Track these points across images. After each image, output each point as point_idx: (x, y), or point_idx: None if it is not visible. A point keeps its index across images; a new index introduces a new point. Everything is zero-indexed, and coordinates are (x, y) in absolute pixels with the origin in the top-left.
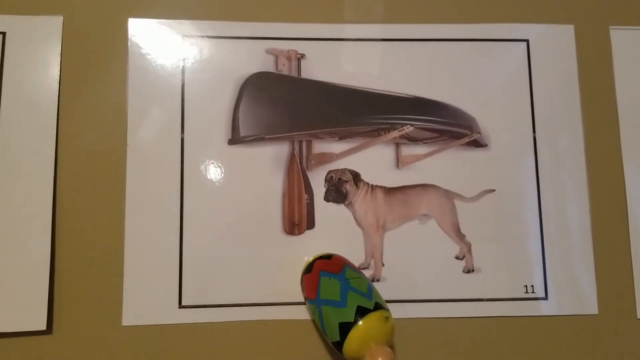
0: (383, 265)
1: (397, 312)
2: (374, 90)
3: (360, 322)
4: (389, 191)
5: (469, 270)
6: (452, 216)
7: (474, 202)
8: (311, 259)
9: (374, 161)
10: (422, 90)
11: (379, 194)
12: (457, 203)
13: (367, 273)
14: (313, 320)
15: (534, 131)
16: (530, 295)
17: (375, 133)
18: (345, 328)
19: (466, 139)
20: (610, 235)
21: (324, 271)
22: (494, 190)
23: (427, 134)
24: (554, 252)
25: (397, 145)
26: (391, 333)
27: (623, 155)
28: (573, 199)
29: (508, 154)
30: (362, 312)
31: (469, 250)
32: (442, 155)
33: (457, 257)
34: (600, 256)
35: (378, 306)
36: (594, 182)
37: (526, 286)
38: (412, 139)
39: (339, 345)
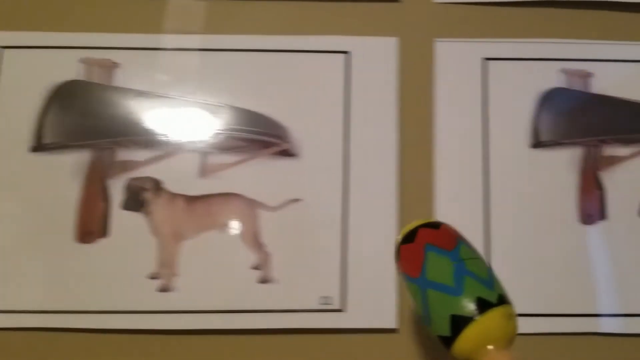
0: (177, 275)
1: (189, 323)
2: (188, 99)
3: (479, 318)
4: (191, 200)
5: (265, 281)
6: (252, 225)
7: (277, 211)
8: (412, 225)
9: (178, 169)
10: (236, 100)
11: (180, 203)
12: (261, 212)
13: (159, 283)
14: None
15: (346, 143)
16: (326, 306)
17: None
18: (459, 322)
19: (276, 148)
20: None
21: (432, 244)
22: (299, 200)
23: (236, 143)
24: (355, 263)
25: (204, 153)
26: (514, 334)
27: (436, 171)
28: (381, 213)
29: (318, 164)
30: (482, 305)
31: (267, 259)
32: (250, 165)
33: (254, 267)
34: None
35: (502, 300)
36: (405, 198)
37: (323, 297)
38: (219, 147)
39: (447, 340)
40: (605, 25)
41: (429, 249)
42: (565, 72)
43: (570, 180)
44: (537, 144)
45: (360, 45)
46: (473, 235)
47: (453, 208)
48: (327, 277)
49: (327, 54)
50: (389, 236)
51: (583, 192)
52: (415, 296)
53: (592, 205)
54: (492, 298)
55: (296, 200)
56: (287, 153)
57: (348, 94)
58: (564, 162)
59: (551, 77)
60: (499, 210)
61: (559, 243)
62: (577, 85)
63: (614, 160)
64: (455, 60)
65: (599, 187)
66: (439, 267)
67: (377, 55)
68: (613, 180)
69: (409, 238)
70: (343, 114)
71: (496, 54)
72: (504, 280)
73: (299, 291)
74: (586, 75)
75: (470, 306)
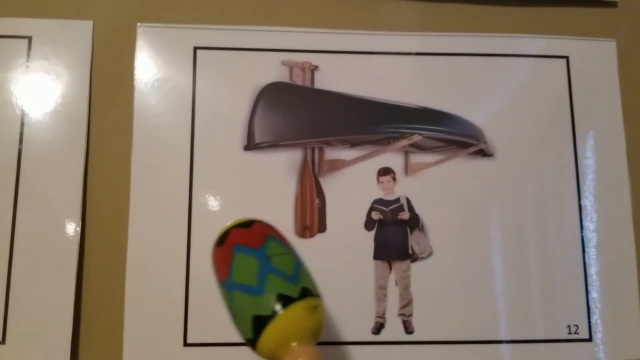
0: None
1: None
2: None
3: (279, 315)
4: None
5: None
6: None
7: None
8: (226, 227)
9: None
10: None
11: None
12: None
13: None
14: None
15: (20, 143)
16: None
17: None
18: (261, 322)
19: None
20: None
21: (240, 245)
22: None
23: None
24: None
25: None
26: (319, 327)
27: (132, 175)
28: (57, 225)
29: None
30: (283, 301)
31: None
32: None
33: None
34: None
35: (306, 292)
36: (92, 204)
37: None
38: None
39: (252, 343)
40: (329, 13)
41: (237, 250)
42: (287, 64)
43: (287, 188)
44: (252, 145)
45: (43, 29)
46: (172, 251)
47: (149, 225)
48: None
49: (6, 39)
50: (63, 251)
51: (301, 201)
52: (225, 301)
53: (311, 216)
54: (294, 293)
55: None
56: None
57: (26, 85)
58: (282, 166)
59: (271, 70)
60: (202, 222)
61: None
62: (300, 80)
63: (336, 165)
64: (162, 48)
65: (319, 194)
66: (244, 268)
67: (63, 41)
68: (335, 188)
69: (221, 240)
70: (20, 111)
71: (208, 43)
72: (198, 306)
73: None
74: (310, 68)
75: (270, 304)
